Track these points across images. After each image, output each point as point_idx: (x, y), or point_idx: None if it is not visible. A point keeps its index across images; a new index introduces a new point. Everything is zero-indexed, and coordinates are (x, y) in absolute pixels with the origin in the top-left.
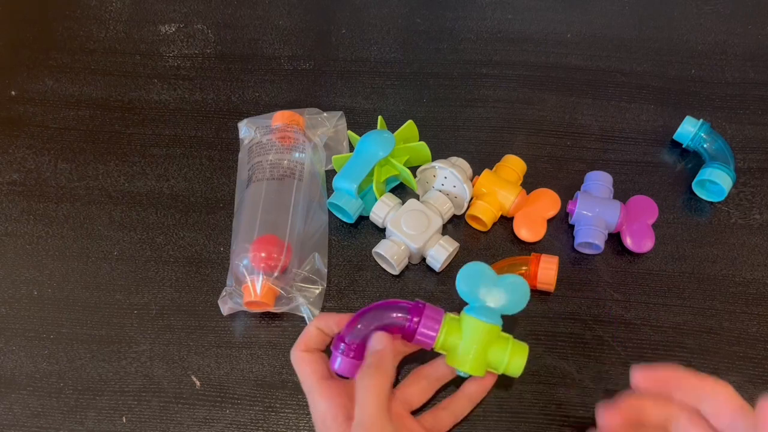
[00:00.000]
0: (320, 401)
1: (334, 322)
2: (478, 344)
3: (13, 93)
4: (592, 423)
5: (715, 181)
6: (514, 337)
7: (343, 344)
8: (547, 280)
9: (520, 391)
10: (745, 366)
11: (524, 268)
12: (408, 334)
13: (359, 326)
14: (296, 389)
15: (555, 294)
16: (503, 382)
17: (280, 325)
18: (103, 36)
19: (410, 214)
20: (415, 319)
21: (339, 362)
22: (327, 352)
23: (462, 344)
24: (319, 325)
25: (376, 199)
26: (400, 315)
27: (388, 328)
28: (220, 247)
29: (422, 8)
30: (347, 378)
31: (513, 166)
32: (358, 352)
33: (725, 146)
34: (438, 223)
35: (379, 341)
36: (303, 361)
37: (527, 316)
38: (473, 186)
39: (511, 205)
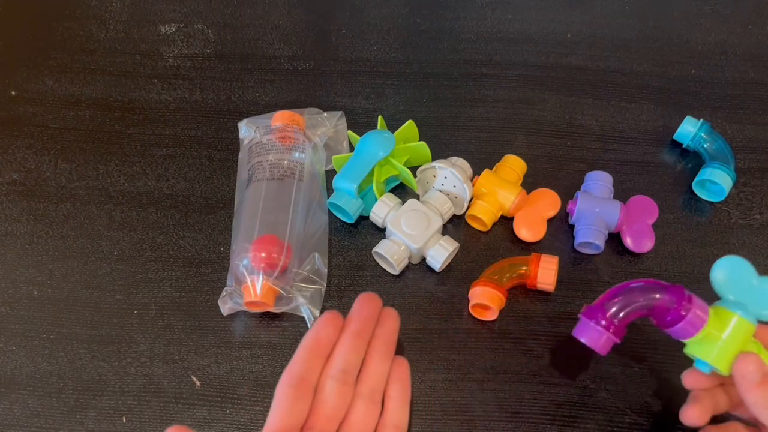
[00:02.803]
0: None
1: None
2: (739, 343)
3: (13, 93)
4: (592, 423)
5: (716, 181)
6: None
7: (603, 319)
8: (547, 280)
9: (521, 391)
10: None
11: (524, 268)
12: (670, 320)
13: (620, 303)
14: None
15: (555, 294)
16: (502, 381)
17: (280, 325)
18: (103, 36)
19: (410, 214)
20: (685, 304)
21: (592, 333)
22: None
23: (722, 340)
24: None
25: (376, 199)
26: (665, 297)
27: (644, 310)
28: (220, 247)
29: (422, 8)
30: (591, 348)
31: (513, 166)
32: (618, 330)
33: (725, 146)
34: (438, 223)
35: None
36: None
37: (527, 316)
38: (473, 186)
39: (511, 205)
